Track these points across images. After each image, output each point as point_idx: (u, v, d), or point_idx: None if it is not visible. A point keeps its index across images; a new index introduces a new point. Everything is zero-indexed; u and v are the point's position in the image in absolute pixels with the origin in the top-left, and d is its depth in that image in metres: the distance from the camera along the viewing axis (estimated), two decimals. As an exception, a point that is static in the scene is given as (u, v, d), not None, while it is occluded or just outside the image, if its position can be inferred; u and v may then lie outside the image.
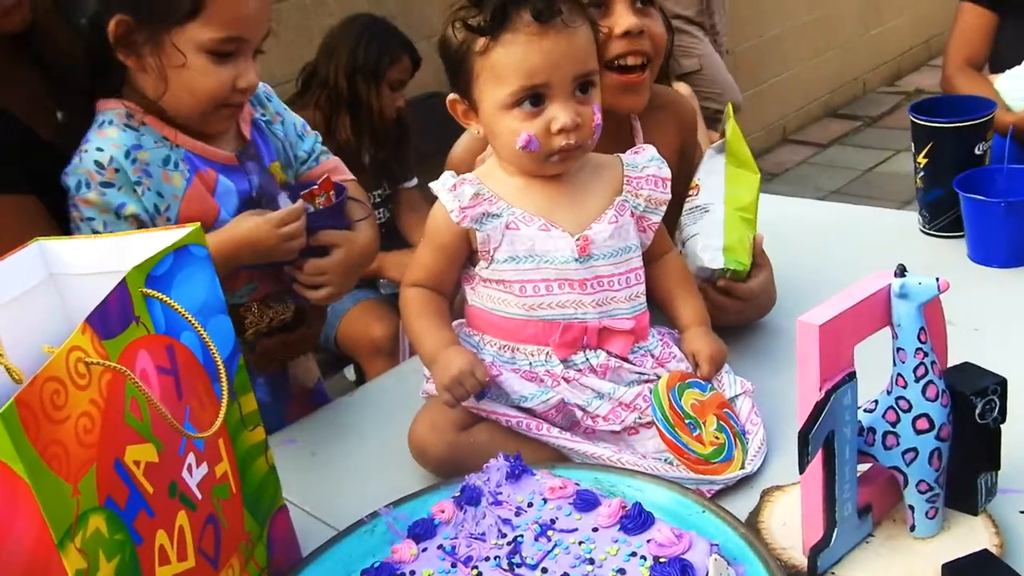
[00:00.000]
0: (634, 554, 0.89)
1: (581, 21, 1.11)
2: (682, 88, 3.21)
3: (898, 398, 0.92)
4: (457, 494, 1.01)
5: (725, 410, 1.13)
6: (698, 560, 0.87)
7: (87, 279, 0.93)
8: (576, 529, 0.94)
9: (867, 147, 4.97)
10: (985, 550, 0.90)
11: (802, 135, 5.26)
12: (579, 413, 1.12)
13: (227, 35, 1.19)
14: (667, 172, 1.21)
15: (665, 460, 1.09)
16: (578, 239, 1.13)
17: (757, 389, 1.19)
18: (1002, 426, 0.95)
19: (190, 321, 0.87)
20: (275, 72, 1.34)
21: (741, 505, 1.04)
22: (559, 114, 1.09)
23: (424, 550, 0.95)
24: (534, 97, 1.09)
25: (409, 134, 2.69)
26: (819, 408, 0.87)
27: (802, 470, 0.88)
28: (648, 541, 0.90)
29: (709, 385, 1.15)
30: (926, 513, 0.95)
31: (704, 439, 1.09)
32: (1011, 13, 2.29)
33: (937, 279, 0.89)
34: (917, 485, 0.93)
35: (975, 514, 0.97)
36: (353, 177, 1.44)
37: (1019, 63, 2.15)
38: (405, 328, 1.22)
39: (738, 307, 1.33)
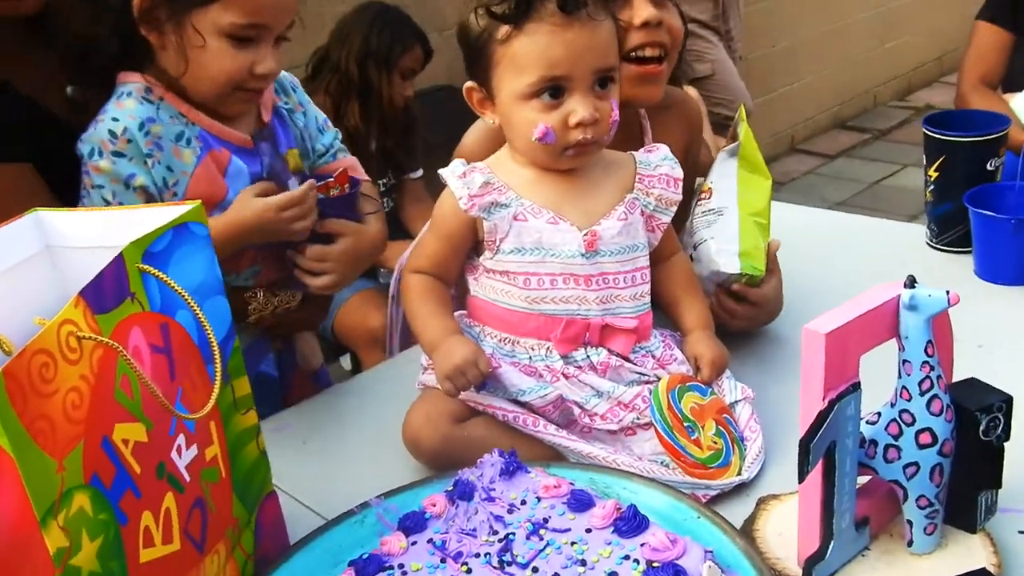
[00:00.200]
0: (627, 557, 0.88)
1: (605, 15, 1.10)
2: (691, 92, 3.20)
3: (902, 411, 0.90)
4: (450, 488, 0.99)
5: (724, 415, 1.12)
6: (692, 566, 0.85)
7: (84, 252, 0.92)
8: (569, 529, 0.92)
9: (875, 160, 4.95)
10: (983, 569, 0.89)
11: (810, 145, 5.24)
12: (577, 410, 1.10)
13: (248, 21, 1.19)
14: (679, 172, 1.20)
15: (661, 463, 1.08)
16: (586, 234, 1.12)
17: (757, 396, 1.18)
18: (1005, 444, 0.94)
19: (186, 300, 0.86)
20: (286, 56, 1.33)
21: (736, 512, 1.03)
22: (578, 107, 1.08)
23: (414, 543, 0.94)
24: (554, 89, 1.08)
25: (417, 124, 2.68)
26: (822, 418, 0.85)
27: (801, 480, 0.87)
28: (642, 545, 0.88)
29: (709, 389, 1.14)
30: (924, 529, 0.93)
31: (702, 443, 1.08)
32: (1028, 33, 2.28)
33: (947, 292, 0.87)
34: (917, 500, 0.92)
35: (974, 532, 0.95)
36: (368, 178, 1.43)
37: (1035, 83, 2.14)
38: (407, 314, 1.20)
39: (749, 313, 1.32)
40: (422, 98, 2.77)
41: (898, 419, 0.91)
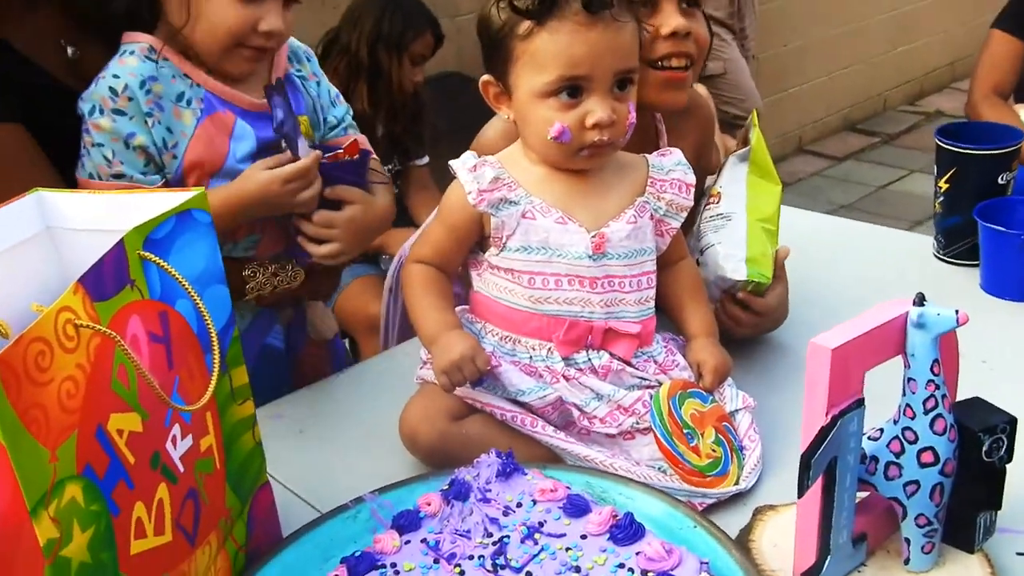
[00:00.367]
0: (621, 565, 0.87)
1: (629, 17, 1.08)
2: (701, 91, 3.18)
3: (905, 429, 0.89)
4: (445, 487, 0.99)
5: (724, 424, 1.11)
6: (686, 577, 0.85)
7: (85, 235, 0.91)
8: (564, 534, 0.92)
9: (883, 164, 4.93)
10: (980, 590, 0.88)
11: (818, 147, 5.22)
12: (576, 413, 1.10)
13: None
14: (692, 178, 1.18)
15: (659, 468, 1.07)
16: (594, 236, 1.11)
17: (758, 404, 1.17)
18: (1007, 465, 0.93)
19: (186, 289, 0.85)
20: (297, 36, 1.32)
21: (732, 521, 1.02)
22: (596, 108, 1.07)
23: (407, 542, 0.93)
24: (572, 88, 1.07)
25: (425, 111, 2.66)
26: (824, 433, 0.84)
27: (801, 494, 0.86)
28: (637, 553, 0.88)
29: (711, 397, 1.13)
30: (922, 547, 0.92)
31: (701, 451, 1.07)
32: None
33: (956, 311, 0.86)
34: (916, 519, 0.91)
35: (971, 552, 0.95)
36: (376, 157, 1.42)
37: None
38: (407, 304, 1.19)
39: (754, 321, 1.31)
40: (431, 84, 2.75)
41: (900, 437, 0.90)
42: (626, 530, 0.89)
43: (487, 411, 1.11)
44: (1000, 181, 1.54)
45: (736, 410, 1.15)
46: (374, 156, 1.39)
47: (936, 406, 0.88)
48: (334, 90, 1.40)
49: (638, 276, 1.14)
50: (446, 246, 1.16)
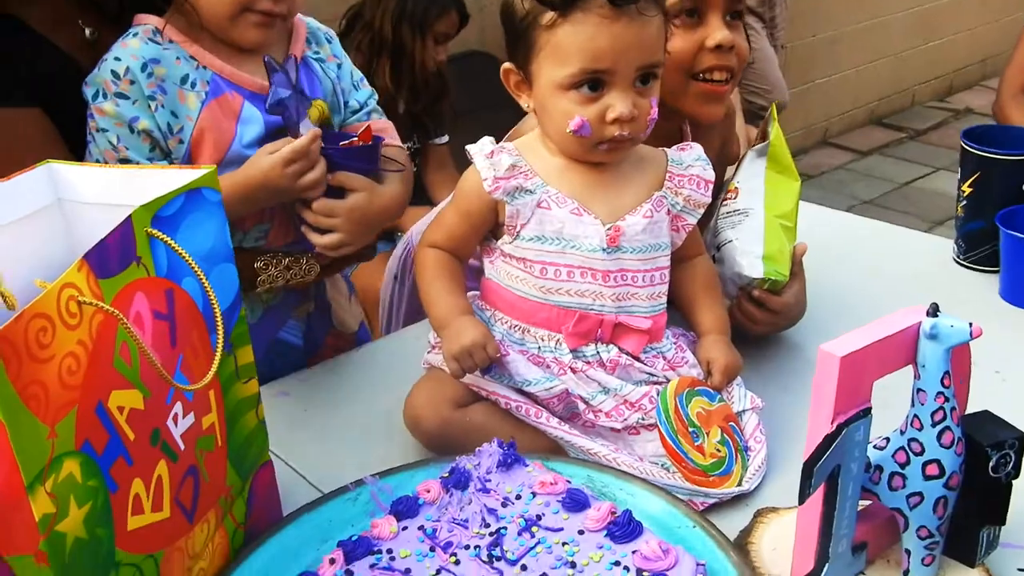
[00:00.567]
0: (617, 563, 0.87)
1: (656, 11, 1.06)
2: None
3: (911, 440, 0.88)
4: (445, 475, 0.99)
5: (731, 423, 1.10)
6: (682, 579, 0.84)
7: (95, 208, 0.91)
8: (562, 529, 0.91)
9: (908, 160, 4.88)
10: (978, 605, 0.87)
11: (843, 140, 5.17)
12: (581, 405, 1.09)
13: None
14: (711, 174, 1.17)
15: (662, 465, 1.07)
16: (609, 229, 1.10)
17: (766, 404, 1.16)
18: (1014, 481, 0.92)
19: (192, 267, 0.84)
20: (321, 10, 1.30)
21: (733, 522, 1.02)
22: (617, 103, 1.05)
23: (404, 528, 0.93)
24: (594, 82, 1.05)
25: (447, 90, 2.65)
26: (828, 441, 0.83)
27: (802, 501, 0.85)
28: (634, 552, 0.87)
29: (718, 396, 1.12)
30: (922, 560, 0.92)
31: (705, 450, 1.06)
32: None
33: (971, 325, 0.85)
34: (918, 530, 0.90)
35: (972, 566, 0.94)
36: (401, 144, 1.38)
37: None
38: (419, 288, 1.18)
39: (769, 319, 1.29)
40: (454, 63, 2.74)
41: (907, 448, 0.89)
42: (624, 528, 0.89)
43: (492, 399, 1.11)
44: (1025, 188, 1.51)
45: (743, 410, 1.14)
46: (398, 144, 1.36)
47: (944, 419, 0.87)
48: (358, 73, 1.37)
49: (652, 271, 1.13)
50: (460, 232, 1.16)
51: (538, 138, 1.15)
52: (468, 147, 1.14)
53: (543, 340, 1.11)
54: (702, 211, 1.17)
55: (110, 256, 0.76)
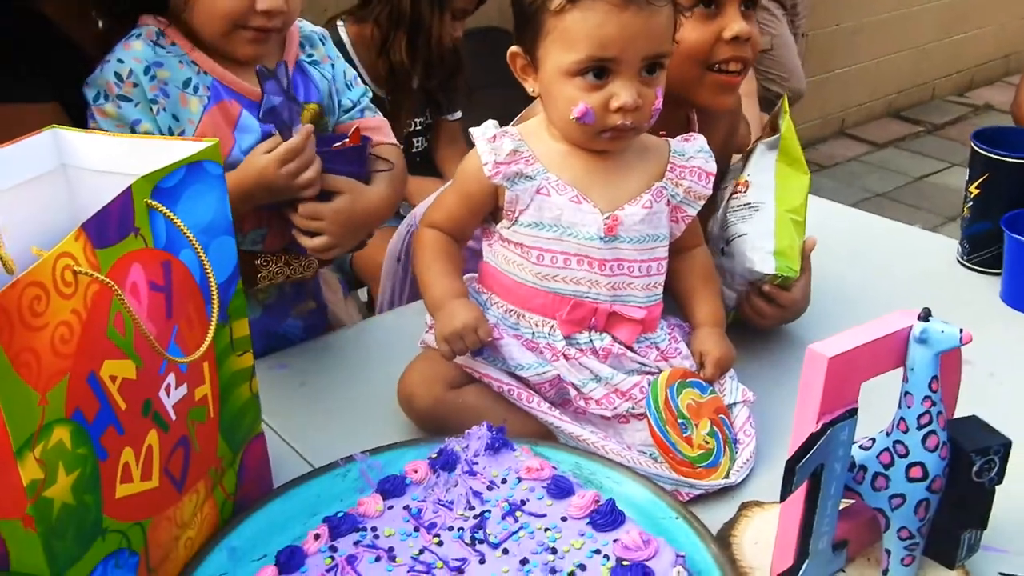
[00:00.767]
0: (598, 551, 0.88)
1: (665, 2, 1.06)
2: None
3: (896, 442, 0.89)
4: (434, 455, 1.00)
5: (721, 416, 1.11)
6: (661, 569, 0.85)
7: (98, 176, 0.92)
8: (545, 515, 0.92)
9: (924, 154, 4.85)
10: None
11: (860, 131, 5.14)
12: (572, 392, 1.10)
13: None
14: (713, 167, 1.17)
15: (650, 455, 1.07)
16: (607, 218, 1.10)
17: (758, 398, 1.16)
18: (997, 486, 0.92)
19: (190, 239, 0.85)
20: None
21: (718, 514, 1.03)
22: (621, 92, 1.05)
23: (390, 507, 0.94)
24: (599, 70, 1.05)
25: (462, 67, 2.64)
26: (813, 440, 0.84)
27: (783, 498, 0.86)
28: (615, 541, 0.88)
29: (710, 388, 1.12)
30: (902, 560, 0.92)
31: (693, 441, 1.07)
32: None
33: (961, 330, 0.85)
34: (899, 531, 0.91)
35: (952, 568, 0.94)
36: (396, 142, 1.38)
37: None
38: (416, 268, 1.19)
39: (777, 314, 1.30)
40: (471, 37, 2.72)
41: (891, 449, 0.89)
42: (606, 516, 0.90)
43: (485, 382, 1.11)
44: (1032, 191, 1.51)
45: (735, 403, 1.14)
46: (393, 142, 1.36)
47: (930, 422, 0.87)
48: (351, 72, 1.37)
49: (648, 261, 1.13)
50: (459, 214, 1.16)
51: (542, 123, 1.15)
52: (472, 130, 1.14)
53: (537, 326, 1.12)
54: (702, 203, 1.17)
55: (108, 226, 0.77)
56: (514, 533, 0.90)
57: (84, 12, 1.33)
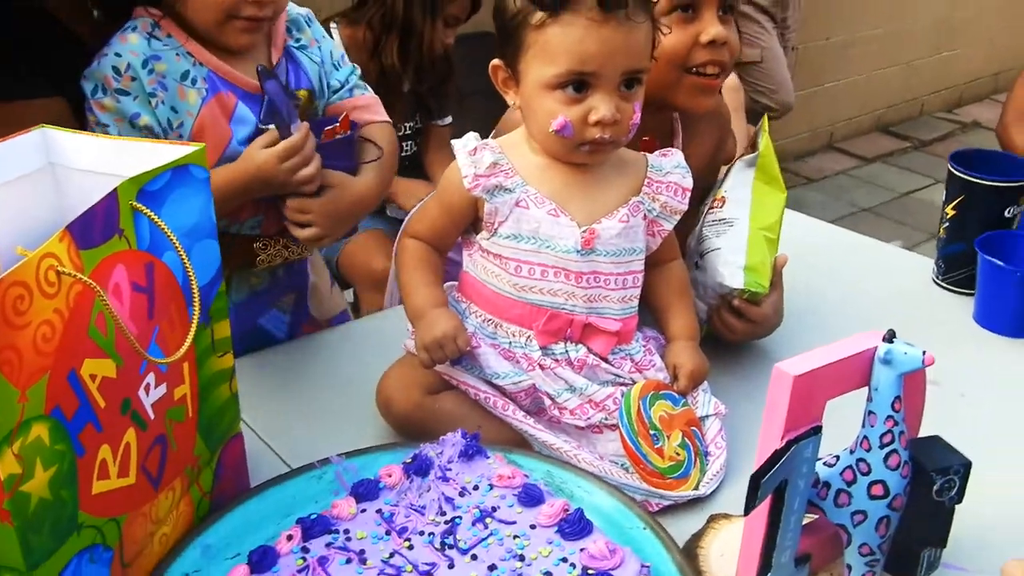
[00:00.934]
0: (564, 560, 0.89)
1: (644, 17, 1.08)
2: (731, 79, 3.14)
3: (859, 460, 0.91)
4: (408, 460, 1.01)
5: (693, 428, 1.13)
6: (626, 578, 0.87)
7: (86, 175, 0.93)
8: (515, 522, 0.94)
9: (911, 170, 4.89)
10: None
11: (848, 145, 5.18)
12: (547, 401, 1.12)
13: None
14: (689, 182, 1.19)
15: (621, 465, 1.09)
16: (584, 231, 1.12)
17: (730, 411, 1.18)
18: (957, 505, 0.94)
19: (173, 242, 0.86)
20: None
21: (686, 525, 1.04)
22: (600, 105, 1.07)
23: (363, 511, 0.96)
24: (579, 83, 1.07)
25: (453, 74, 2.65)
26: (777, 456, 0.86)
27: (747, 512, 0.88)
28: (581, 550, 0.90)
29: (683, 400, 1.14)
30: (862, 575, 0.94)
31: (664, 453, 1.09)
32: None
33: (924, 352, 0.87)
34: (860, 547, 0.93)
35: (911, 584, 0.97)
36: (386, 118, 1.40)
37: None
38: (398, 278, 1.21)
39: (747, 329, 1.32)
40: (465, 43, 2.73)
41: (854, 467, 0.91)
42: (574, 525, 0.92)
43: (462, 389, 1.13)
44: (1007, 214, 1.53)
45: (707, 416, 1.16)
46: (384, 119, 1.37)
47: (892, 441, 0.90)
48: (337, 52, 1.38)
49: (624, 275, 1.15)
50: (441, 224, 1.18)
51: (522, 136, 1.17)
52: (453, 141, 1.16)
53: (514, 336, 1.14)
54: (678, 217, 1.19)
55: (93, 228, 0.78)
56: (483, 539, 0.92)
57: (84, 5, 1.34)
